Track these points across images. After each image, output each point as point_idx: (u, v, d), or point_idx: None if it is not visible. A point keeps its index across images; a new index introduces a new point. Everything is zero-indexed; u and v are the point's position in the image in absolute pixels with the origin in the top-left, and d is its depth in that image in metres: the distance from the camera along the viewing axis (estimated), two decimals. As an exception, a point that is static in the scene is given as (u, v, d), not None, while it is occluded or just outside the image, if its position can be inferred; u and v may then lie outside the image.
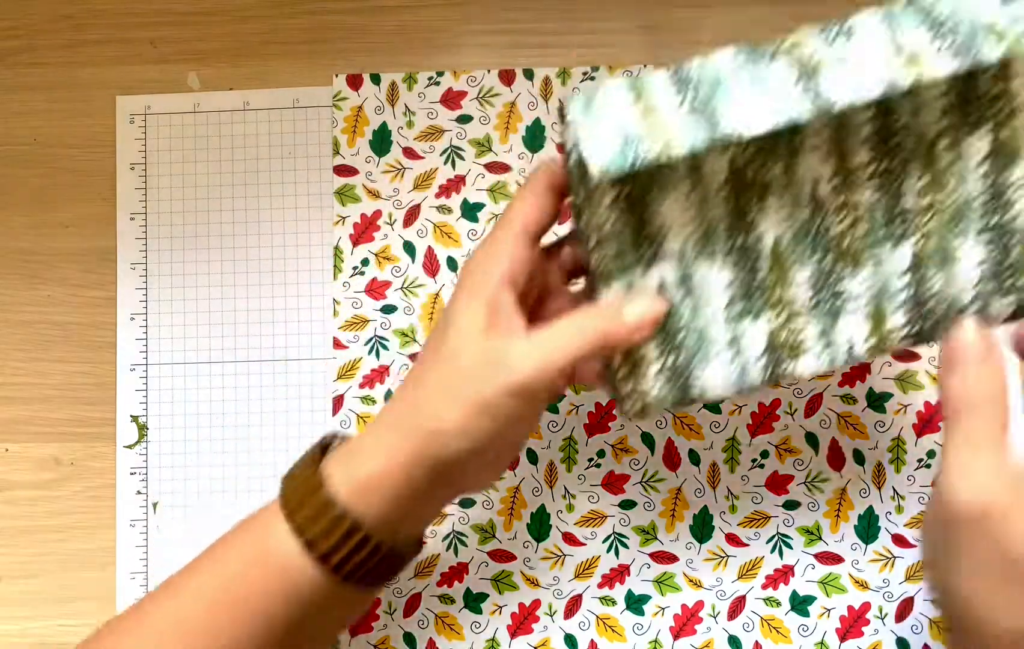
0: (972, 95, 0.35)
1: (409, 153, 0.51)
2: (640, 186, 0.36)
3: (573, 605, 0.50)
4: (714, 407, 0.50)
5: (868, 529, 0.49)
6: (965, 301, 0.37)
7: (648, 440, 0.50)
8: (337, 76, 0.52)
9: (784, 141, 0.36)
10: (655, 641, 0.49)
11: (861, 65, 0.34)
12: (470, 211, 0.51)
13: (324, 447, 0.39)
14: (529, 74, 0.51)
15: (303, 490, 0.37)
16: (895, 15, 0.35)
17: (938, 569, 0.35)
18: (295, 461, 0.40)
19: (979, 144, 0.36)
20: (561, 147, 0.36)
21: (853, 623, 0.48)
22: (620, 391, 0.38)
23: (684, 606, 0.49)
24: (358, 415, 0.50)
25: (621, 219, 0.36)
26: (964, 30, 0.34)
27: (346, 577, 0.37)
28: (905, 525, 0.48)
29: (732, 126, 0.34)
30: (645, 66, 0.50)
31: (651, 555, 0.50)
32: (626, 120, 0.34)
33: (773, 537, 0.49)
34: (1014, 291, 0.37)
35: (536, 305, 0.40)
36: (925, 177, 0.36)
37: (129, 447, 0.51)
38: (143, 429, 0.51)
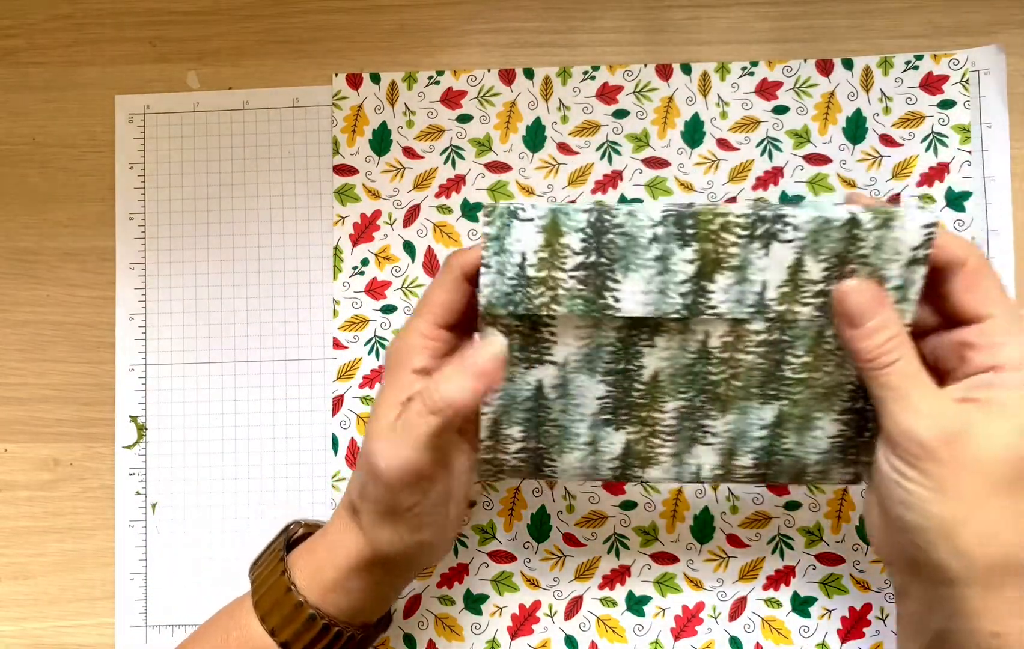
0: None
1: (409, 153, 0.51)
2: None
3: (573, 606, 0.49)
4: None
5: (869, 530, 0.48)
6: (810, 462, 0.41)
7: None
8: (337, 75, 0.51)
9: None
10: (656, 642, 0.49)
11: (753, 283, 0.36)
12: (470, 211, 0.51)
13: (288, 539, 0.43)
14: (529, 74, 0.51)
15: (274, 593, 0.40)
16: (821, 232, 0.36)
17: (902, 526, 0.35)
18: (260, 554, 0.43)
19: None
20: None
21: (855, 624, 0.48)
22: (481, 455, 0.41)
23: (685, 607, 0.49)
24: (358, 415, 0.50)
25: (513, 327, 0.38)
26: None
27: None
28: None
29: (610, 302, 0.36)
30: (645, 66, 0.50)
31: (652, 556, 0.49)
32: (528, 260, 0.36)
33: (774, 538, 0.49)
34: (856, 464, 0.41)
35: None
36: (808, 356, 0.38)
37: (128, 448, 0.51)
38: (142, 430, 0.51)
